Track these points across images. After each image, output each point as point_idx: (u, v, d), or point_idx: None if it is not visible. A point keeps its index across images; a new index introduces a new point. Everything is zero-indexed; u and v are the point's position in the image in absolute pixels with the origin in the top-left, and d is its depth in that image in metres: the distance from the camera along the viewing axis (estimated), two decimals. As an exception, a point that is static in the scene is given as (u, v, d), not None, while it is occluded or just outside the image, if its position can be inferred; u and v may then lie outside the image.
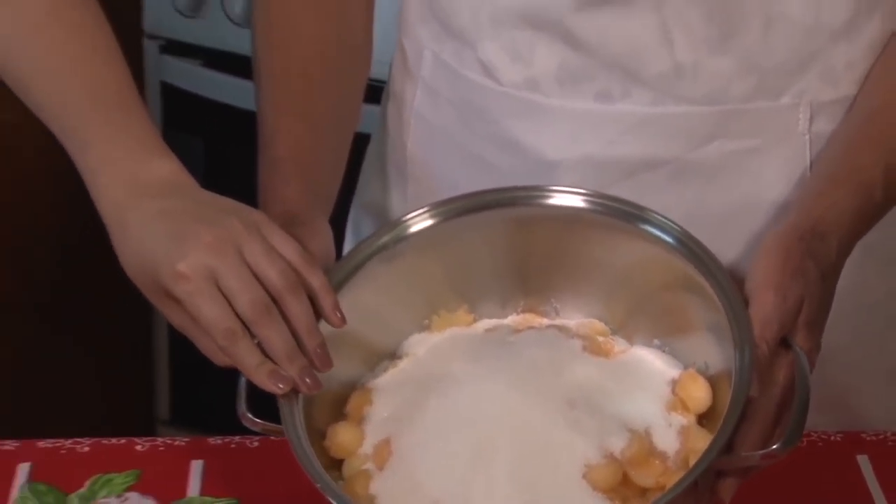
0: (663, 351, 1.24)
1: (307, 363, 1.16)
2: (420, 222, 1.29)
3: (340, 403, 1.23)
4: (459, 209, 1.29)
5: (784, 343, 1.17)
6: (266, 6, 1.49)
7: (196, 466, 1.37)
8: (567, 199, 1.27)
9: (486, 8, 1.42)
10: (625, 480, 1.13)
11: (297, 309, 1.16)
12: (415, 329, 1.29)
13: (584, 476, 1.12)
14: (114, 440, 1.39)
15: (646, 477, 1.13)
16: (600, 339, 1.25)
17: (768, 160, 1.41)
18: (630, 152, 1.40)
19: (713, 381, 1.18)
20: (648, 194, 1.28)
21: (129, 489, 1.33)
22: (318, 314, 1.19)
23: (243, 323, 1.15)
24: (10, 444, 1.38)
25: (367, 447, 1.20)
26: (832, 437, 1.42)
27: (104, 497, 1.34)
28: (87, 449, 1.37)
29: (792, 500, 1.33)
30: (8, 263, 2.52)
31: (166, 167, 1.28)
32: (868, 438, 1.44)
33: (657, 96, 1.39)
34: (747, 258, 1.24)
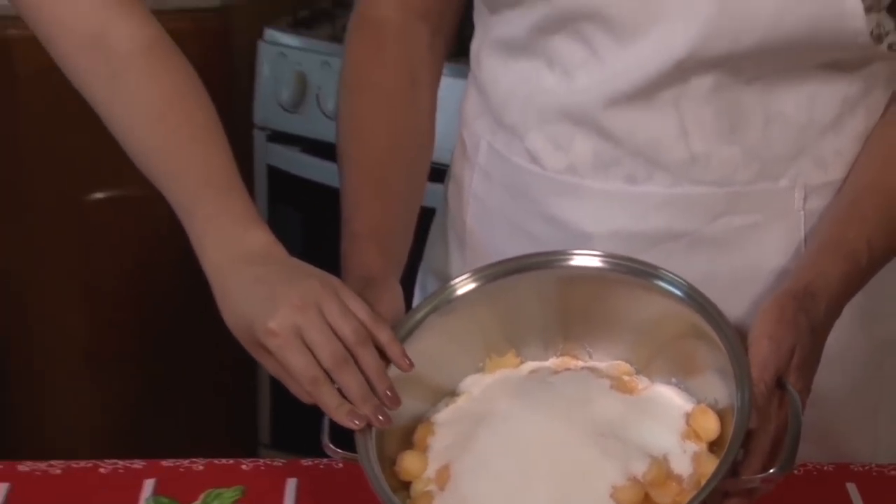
0: (679, 388, 1.23)
1: (379, 403, 1.17)
2: (475, 281, 1.29)
3: (408, 434, 1.24)
4: (507, 270, 1.29)
5: (779, 384, 1.17)
6: (348, 103, 1.50)
7: (291, 484, 1.38)
8: (595, 261, 1.27)
9: (533, 106, 1.42)
10: (646, 499, 1.13)
11: (368, 359, 1.18)
12: (470, 371, 1.28)
13: (612, 496, 1.12)
14: (223, 460, 1.40)
15: (664, 496, 1.13)
16: (626, 378, 1.25)
17: (769, 233, 1.40)
18: (653, 226, 1.40)
19: (721, 415, 1.18)
20: (669, 261, 1.26)
21: (235, 502, 1.35)
22: (388, 361, 1.19)
23: (325, 371, 1.16)
24: (138, 463, 1.39)
25: (430, 472, 1.20)
26: (825, 468, 1.41)
27: (215, 508, 1.38)
28: (201, 468, 1.39)
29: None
30: (142, 312, 2.54)
31: (261, 238, 1.29)
32: (855, 469, 1.43)
33: (676, 179, 1.39)
34: (751, 315, 1.23)
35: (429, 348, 1.25)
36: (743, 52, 1.33)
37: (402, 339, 1.24)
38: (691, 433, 1.18)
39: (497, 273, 1.29)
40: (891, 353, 1.54)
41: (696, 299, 1.21)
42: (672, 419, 1.20)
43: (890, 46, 1.38)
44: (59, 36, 1.40)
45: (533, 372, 1.27)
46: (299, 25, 2.58)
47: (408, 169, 1.46)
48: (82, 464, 1.38)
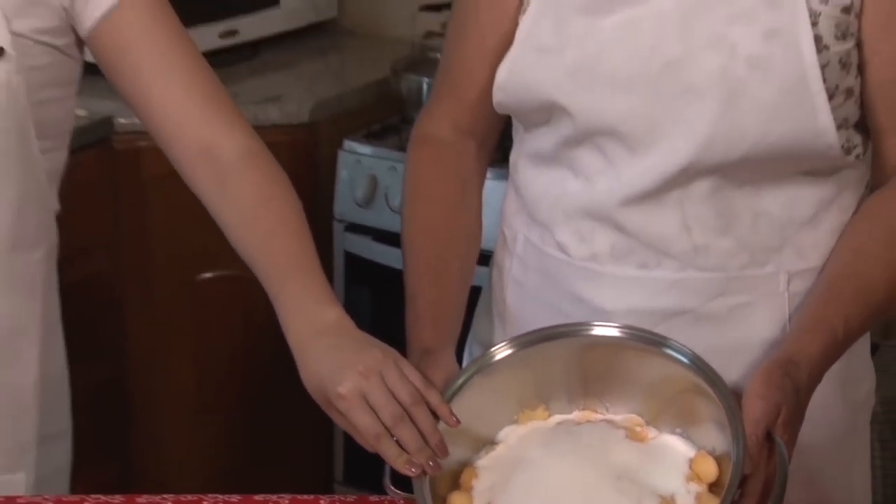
0: (683, 438, 1.22)
1: (431, 453, 1.17)
2: (511, 348, 1.29)
3: (456, 477, 1.23)
4: (538, 338, 1.29)
5: (769, 437, 1.17)
6: (411, 206, 1.50)
7: (360, 517, 1.38)
8: (613, 331, 1.27)
9: (560, 206, 1.43)
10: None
11: (422, 417, 1.18)
12: (507, 423, 1.28)
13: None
14: (304, 496, 1.37)
15: (674, 531, 1.14)
16: (638, 429, 1.24)
17: (758, 311, 1.39)
18: (662, 305, 1.39)
19: (719, 460, 1.17)
20: (675, 333, 1.26)
21: (315, 532, 1.34)
22: (438, 419, 1.20)
23: (386, 427, 1.17)
24: (234, 498, 1.37)
25: (475, 509, 1.21)
26: (809, 509, 1.40)
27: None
28: (286, 502, 1.36)
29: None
30: (240, 370, 2.55)
31: (334, 314, 1.29)
32: (834, 511, 1.42)
33: (680, 266, 1.38)
34: (744, 378, 1.23)
35: (473, 404, 1.25)
36: (734, 162, 1.33)
37: (451, 396, 1.25)
38: (694, 476, 1.17)
39: (529, 341, 1.29)
40: (863, 413, 1.53)
41: (698, 364, 1.21)
42: (677, 464, 1.19)
43: (857, 156, 1.40)
44: (175, 146, 1.42)
45: (560, 423, 1.26)
46: (371, 137, 2.58)
47: (460, 258, 1.46)
48: (190, 497, 1.36)
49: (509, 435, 1.27)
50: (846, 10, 1.31)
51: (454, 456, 1.22)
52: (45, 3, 1.38)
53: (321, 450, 2.69)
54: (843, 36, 1.32)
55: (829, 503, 1.47)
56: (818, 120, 1.32)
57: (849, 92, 1.35)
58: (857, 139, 1.39)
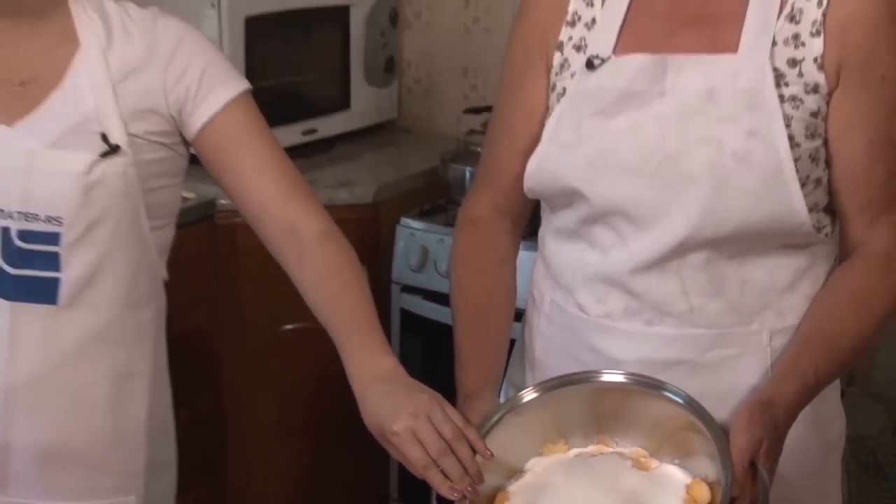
0: (680, 467, 1.22)
1: (470, 481, 1.17)
2: (536, 391, 1.29)
3: (491, 500, 1.23)
4: (559, 383, 1.29)
5: (753, 466, 1.16)
6: (458, 274, 1.50)
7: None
8: (620, 377, 1.27)
9: (580, 273, 1.42)
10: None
11: (462, 451, 1.18)
12: (534, 454, 1.28)
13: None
14: None
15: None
16: (642, 459, 1.24)
17: (744, 362, 1.38)
18: (664, 356, 1.38)
19: (711, 486, 1.17)
20: (675, 380, 1.25)
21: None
22: (475, 452, 1.20)
23: (433, 459, 1.17)
24: None
25: (508, 527, 1.21)
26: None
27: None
28: None
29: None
30: (314, 406, 2.55)
31: (390, 364, 1.29)
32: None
33: (680, 324, 1.38)
34: (732, 417, 1.22)
35: (504, 438, 1.25)
36: (723, 238, 1.33)
37: (487, 431, 1.25)
38: (690, 500, 1.17)
39: (552, 385, 1.29)
40: (834, 450, 1.51)
41: (692, 405, 1.20)
42: (676, 489, 1.19)
43: (826, 234, 1.39)
44: (265, 227, 1.44)
45: (577, 455, 1.26)
46: (423, 215, 2.59)
47: (498, 317, 1.46)
48: None
49: (535, 464, 1.27)
50: (814, 114, 1.32)
51: (489, 482, 1.22)
52: (157, 111, 1.40)
53: (379, 471, 2.67)
54: (812, 135, 1.33)
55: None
56: (793, 204, 1.31)
57: (818, 181, 1.35)
58: (826, 220, 1.39)
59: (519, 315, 1.53)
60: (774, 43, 1.31)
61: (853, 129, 1.33)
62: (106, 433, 1.44)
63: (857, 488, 1.56)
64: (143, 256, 1.44)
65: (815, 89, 1.32)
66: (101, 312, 1.41)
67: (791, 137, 1.30)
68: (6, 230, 1.35)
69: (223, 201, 2.37)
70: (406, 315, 2.56)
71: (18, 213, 1.34)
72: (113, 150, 1.35)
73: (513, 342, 1.51)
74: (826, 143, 1.34)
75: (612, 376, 1.27)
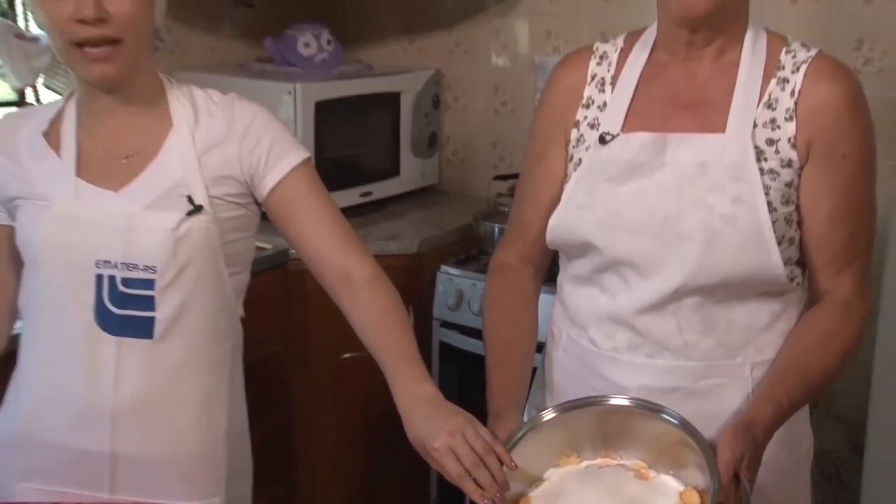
0: (675, 477, 1.21)
1: (498, 488, 1.17)
2: (554, 412, 1.28)
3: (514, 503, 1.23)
4: (573, 406, 1.29)
5: (736, 476, 1.16)
6: (489, 314, 1.49)
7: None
8: (624, 401, 1.26)
9: (593, 313, 1.42)
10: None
11: (492, 463, 1.18)
12: (551, 466, 1.27)
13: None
14: None
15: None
16: (643, 471, 1.23)
17: (730, 390, 1.37)
18: (663, 384, 1.37)
19: (701, 493, 1.16)
20: (672, 405, 1.24)
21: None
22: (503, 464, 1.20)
23: (467, 470, 1.17)
24: None
25: (530, 527, 1.21)
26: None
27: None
28: None
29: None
30: (366, 424, 2.54)
31: (430, 390, 1.29)
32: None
33: (676, 357, 1.37)
34: (718, 435, 1.21)
35: (528, 452, 1.24)
36: (712, 286, 1.33)
37: (512, 446, 1.24)
38: (684, 503, 1.17)
39: (567, 407, 1.28)
40: (803, 464, 1.49)
41: (686, 425, 1.20)
42: (671, 496, 1.18)
43: (798, 284, 1.39)
44: (323, 273, 1.44)
45: (587, 466, 1.26)
46: (459, 263, 2.57)
47: (522, 349, 1.45)
48: None
49: (552, 474, 1.26)
50: (788, 185, 1.32)
51: (514, 489, 1.21)
52: (234, 177, 1.41)
53: (421, 477, 2.63)
54: (787, 202, 1.33)
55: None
56: (771, 259, 1.31)
57: (791, 240, 1.35)
58: (797, 272, 1.38)
59: (540, 347, 1.52)
60: (755, 125, 1.32)
61: (820, 197, 1.33)
62: (194, 446, 1.44)
63: (822, 496, 1.54)
64: (222, 297, 1.44)
65: (789, 164, 1.32)
66: (189, 345, 1.41)
67: (769, 204, 1.30)
68: (112, 278, 1.36)
69: (294, 252, 2.38)
70: (444, 347, 2.54)
71: (122, 263, 1.36)
72: (197, 209, 1.37)
73: (535, 370, 1.50)
74: (798, 208, 1.34)
75: (619, 400, 1.27)
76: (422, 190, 3.00)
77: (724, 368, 1.37)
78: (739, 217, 1.30)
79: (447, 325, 2.54)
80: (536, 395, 1.53)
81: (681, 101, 1.36)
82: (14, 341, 1.49)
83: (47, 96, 2.40)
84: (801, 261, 1.39)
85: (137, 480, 1.42)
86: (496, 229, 2.54)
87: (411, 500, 2.64)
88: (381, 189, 2.84)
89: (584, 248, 1.40)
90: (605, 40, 1.46)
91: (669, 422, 1.21)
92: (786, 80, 1.33)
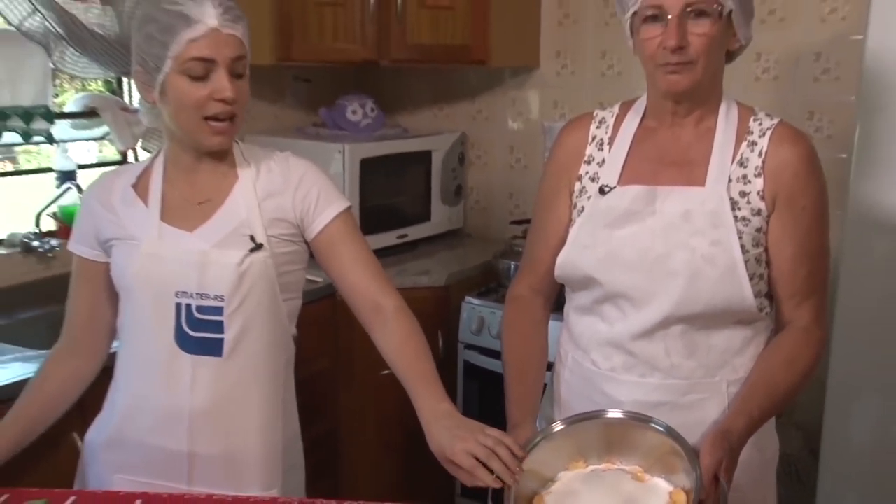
0: (665, 479, 1.20)
1: (511, 473, 1.17)
2: (563, 424, 1.27)
3: (530, 501, 1.21)
4: (579, 419, 1.27)
5: (716, 478, 1.14)
6: (506, 337, 1.48)
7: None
8: (620, 414, 1.25)
9: (594, 339, 1.41)
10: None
11: (502, 452, 1.17)
12: (562, 469, 1.25)
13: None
14: None
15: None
16: (639, 474, 1.22)
17: (709, 403, 1.36)
18: (653, 399, 1.36)
19: (687, 493, 1.15)
20: (661, 417, 1.23)
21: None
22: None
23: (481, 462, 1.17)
24: None
25: (543, 521, 1.19)
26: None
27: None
28: None
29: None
30: (400, 429, 2.52)
31: (447, 407, 1.29)
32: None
33: (664, 376, 1.36)
34: (700, 442, 1.19)
35: (541, 458, 1.24)
36: (695, 315, 1.32)
37: (529, 451, 1.23)
38: (672, 502, 1.16)
39: (574, 420, 1.27)
40: (770, 465, 1.47)
41: (672, 433, 1.19)
42: (662, 495, 1.17)
43: (766, 313, 1.38)
44: (357, 303, 1.43)
45: (592, 470, 1.24)
46: (481, 295, 2.55)
47: (535, 369, 1.44)
48: None
49: (562, 476, 1.25)
50: (758, 230, 1.32)
51: (529, 487, 1.20)
52: (287, 220, 1.42)
53: (448, 473, 2.60)
54: (756, 245, 1.32)
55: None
56: (744, 292, 1.31)
57: (761, 276, 1.34)
58: (765, 303, 1.38)
59: (549, 367, 1.51)
60: (730, 180, 1.32)
61: (784, 241, 1.33)
62: (256, 445, 1.44)
63: (784, 492, 1.52)
64: (277, 320, 1.44)
65: (759, 213, 1.32)
66: (250, 361, 1.41)
67: (742, 246, 1.30)
68: (188, 306, 1.37)
69: (333, 284, 2.39)
70: (468, 366, 2.53)
71: (196, 293, 1.36)
72: (258, 247, 1.37)
73: (545, 387, 1.49)
74: (766, 250, 1.34)
75: (615, 413, 1.26)
76: (449, 233, 3.00)
77: (704, 385, 1.36)
78: (717, 257, 1.30)
79: (470, 346, 2.52)
80: (546, 408, 1.52)
81: (667, 159, 1.37)
82: (111, 357, 1.50)
83: (142, 156, 2.45)
84: (769, 294, 1.38)
85: (210, 474, 1.42)
86: (512, 266, 2.53)
87: (439, 493, 2.61)
88: (415, 232, 2.84)
89: (586, 283, 1.39)
90: (603, 108, 1.47)
91: (659, 431, 1.20)
92: (754, 143, 1.33)
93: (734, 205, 1.31)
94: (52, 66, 2.13)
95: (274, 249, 1.39)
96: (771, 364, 1.34)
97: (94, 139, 2.42)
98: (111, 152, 2.59)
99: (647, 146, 1.39)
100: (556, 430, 1.25)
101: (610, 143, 1.41)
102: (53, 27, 2.03)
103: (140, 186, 1.43)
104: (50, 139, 2.19)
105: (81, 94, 2.38)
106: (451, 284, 2.58)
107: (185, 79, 1.30)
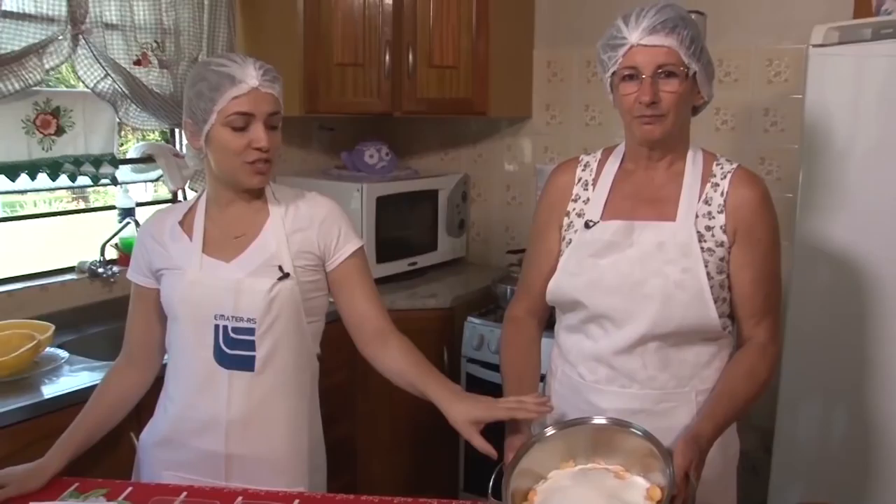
0: (643, 477, 1.19)
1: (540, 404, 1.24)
2: (554, 429, 1.26)
3: (525, 496, 1.20)
4: (567, 424, 1.26)
5: (686, 476, 1.14)
6: (504, 352, 1.47)
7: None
8: (604, 420, 1.25)
9: (581, 354, 1.40)
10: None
11: (527, 401, 1.25)
12: (553, 469, 1.24)
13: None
14: (435, 500, 1.30)
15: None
16: (621, 472, 1.21)
17: (681, 411, 1.35)
18: (632, 407, 1.34)
19: (661, 489, 1.14)
20: (640, 422, 1.22)
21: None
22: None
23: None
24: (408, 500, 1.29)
25: (535, 512, 1.18)
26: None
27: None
28: None
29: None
30: (411, 422, 2.50)
31: (457, 386, 1.31)
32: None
33: (642, 387, 1.35)
34: (674, 445, 1.19)
35: (536, 459, 1.23)
36: (668, 333, 1.32)
37: (525, 452, 1.22)
38: (649, 497, 1.14)
39: (564, 425, 1.26)
40: (732, 462, 1.45)
41: (650, 437, 1.18)
42: (640, 490, 1.16)
43: (729, 332, 1.38)
44: (360, 326, 1.43)
45: (580, 469, 1.23)
46: (481, 315, 2.53)
47: (530, 381, 1.43)
48: (378, 498, 1.31)
49: (554, 474, 1.23)
50: (721, 259, 1.32)
51: (524, 484, 1.19)
52: (312, 252, 1.41)
53: (451, 469, 2.57)
54: (720, 272, 1.32)
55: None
56: (710, 314, 1.31)
57: (724, 299, 1.34)
58: (728, 323, 1.37)
59: (542, 378, 1.50)
60: (697, 216, 1.32)
61: (743, 269, 1.33)
62: (285, 448, 1.43)
63: (743, 485, 1.51)
64: (302, 341, 1.43)
65: (721, 245, 1.32)
66: (279, 375, 1.40)
67: (708, 273, 1.30)
68: (225, 327, 1.37)
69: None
70: (470, 377, 2.50)
71: (232, 316, 1.36)
72: (285, 276, 1.37)
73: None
74: (728, 276, 1.34)
75: (600, 420, 1.25)
76: (454, 261, 2.99)
77: (676, 395, 1.36)
78: (687, 283, 1.30)
79: (472, 360, 2.50)
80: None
81: (643, 197, 1.37)
82: (163, 369, 1.50)
83: (190, 195, 2.47)
84: (731, 315, 1.38)
85: (244, 472, 1.41)
86: (508, 290, 2.51)
87: (445, 487, 2.59)
88: (424, 260, 2.83)
89: (574, 305, 1.39)
90: (587, 153, 1.47)
91: (637, 434, 1.19)
92: (717, 185, 1.34)
93: (700, 237, 1.31)
94: (118, 119, 2.18)
95: (300, 278, 1.39)
96: (734, 376, 1.33)
97: (151, 181, 2.45)
98: (164, 192, 2.63)
99: (625, 186, 1.39)
100: (549, 434, 1.25)
101: (594, 184, 1.42)
102: (121, 88, 2.12)
103: (186, 223, 1.44)
104: (114, 181, 2.22)
105: (141, 142, 2.41)
106: (456, 306, 2.56)
107: (228, 129, 1.31)
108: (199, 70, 1.33)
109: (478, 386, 2.48)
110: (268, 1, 2.53)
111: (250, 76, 1.30)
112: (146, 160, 2.34)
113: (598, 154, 1.46)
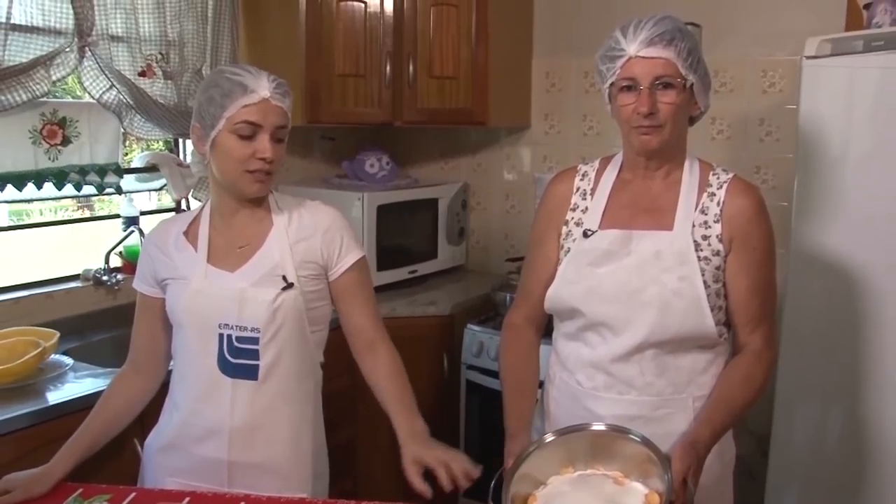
0: (642, 483, 1.19)
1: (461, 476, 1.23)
2: (553, 436, 1.25)
3: (525, 500, 1.20)
4: (566, 431, 1.26)
5: (684, 482, 1.14)
6: (503, 358, 1.46)
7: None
8: (602, 426, 1.24)
9: (579, 361, 1.40)
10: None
11: (455, 465, 1.26)
12: (553, 474, 1.23)
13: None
14: None
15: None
16: (619, 478, 1.21)
17: (679, 417, 1.34)
18: (629, 413, 1.34)
19: (659, 494, 1.14)
20: (638, 429, 1.22)
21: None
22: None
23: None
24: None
25: (535, 517, 1.18)
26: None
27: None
28: None
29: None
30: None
31: (420, 426, 1.33)
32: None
33: (639, 394, 1.35)
34: (671, 450, 1.19)
35: (536, 465, 1.23)
36: (665, 341, 1.32)
37: (524, 459, 1.22)
38: (647, 502, 1.15)
39: (563, 432, 1.26)
40: (728, 467, 1.44)
41: (648, 443, 1.18)
42: (639, 496, 1.16)
43: (725, 339, 1.37)
44: (356, 339, 1.45)
45: (579, 475, 1.23)
46: (480, 322, 2.53)
47: (529, 386, 1.43)
48: None
49: (553, 480, 1.23)
50: (717, 268, 1.32)
51: (525, 490, 1.19)
52: (315, 262, 1.41)
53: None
54: (716, 280, 1.32)
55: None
56: (706, 321, 1.31)
57: (720, 307, 1.34)
58: (724, 330, 1.37)
59: (540, 385, 1.50)
60: (693, 225, 1.33)
61: (739, 276, 1.33)
62: (288, 455, 1.43)
63: (739, 489, 1.51)
64: (306, 349, 1.43)
65: (718, 253, 1.32)
66: (282, 384, 1.40)
67: (705, 282, 1.31)
68: (229, 336, 1.37)
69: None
70: (470, 384, 2.50)
71: (236, 325, 1.37)
72: (289, 286, 1.37)
73: (536, 402, 1.48)
74: (724, 284, 1.34)
75: (599, 426, 1.25)
76: (453, 268, 2.99)
77: (673, 401, 1.35)
78: (684, 291, 1.30)
79: (472, 367, 2.50)
80: (536, 421, 1.50)
81: (641, 206, 1.37)
82: (169, 374, 1.50)
83: (193, 204, 2.48)
84: (727, 322, 1.38)
85: (247, 480, 1.41)
86: (507, 297, 2.51)
87: (444, 493, 2.58)
88: (424, 268, 2.83)
89: (572, 313, 1.39)
90: (585, 163, 1.47)
91: (635, 441, 1.19)
92: (713, 194, 1.34)
93: (697, 246, 1.32)
94: (122, 129, 2.19)
95: (303, 287, 1.39)
96: (730, 382, 1.33)
97: (155, 190, 2.46)
98: (168, 200, 2.63)
99: (623, 195, 1.39)
100: (548, 440, 1.24)
101: (592, 193, 1.42)
102: (126, 99, 2.13)
103: (190, 233, 1.44)
104: (119, 190, 2.24)
105: (145, 152, 2.42)
106: (455, 313, 2.56)
107: (234, 137, 1.32)
108: (214, 76, 1.34)
109: (478, 393, 2.48)
110: (270, 13, 2.54)
111: (263, 87, 1.31)
112: (150, 169, 2.36)
113: (596, 163, 1.46)
